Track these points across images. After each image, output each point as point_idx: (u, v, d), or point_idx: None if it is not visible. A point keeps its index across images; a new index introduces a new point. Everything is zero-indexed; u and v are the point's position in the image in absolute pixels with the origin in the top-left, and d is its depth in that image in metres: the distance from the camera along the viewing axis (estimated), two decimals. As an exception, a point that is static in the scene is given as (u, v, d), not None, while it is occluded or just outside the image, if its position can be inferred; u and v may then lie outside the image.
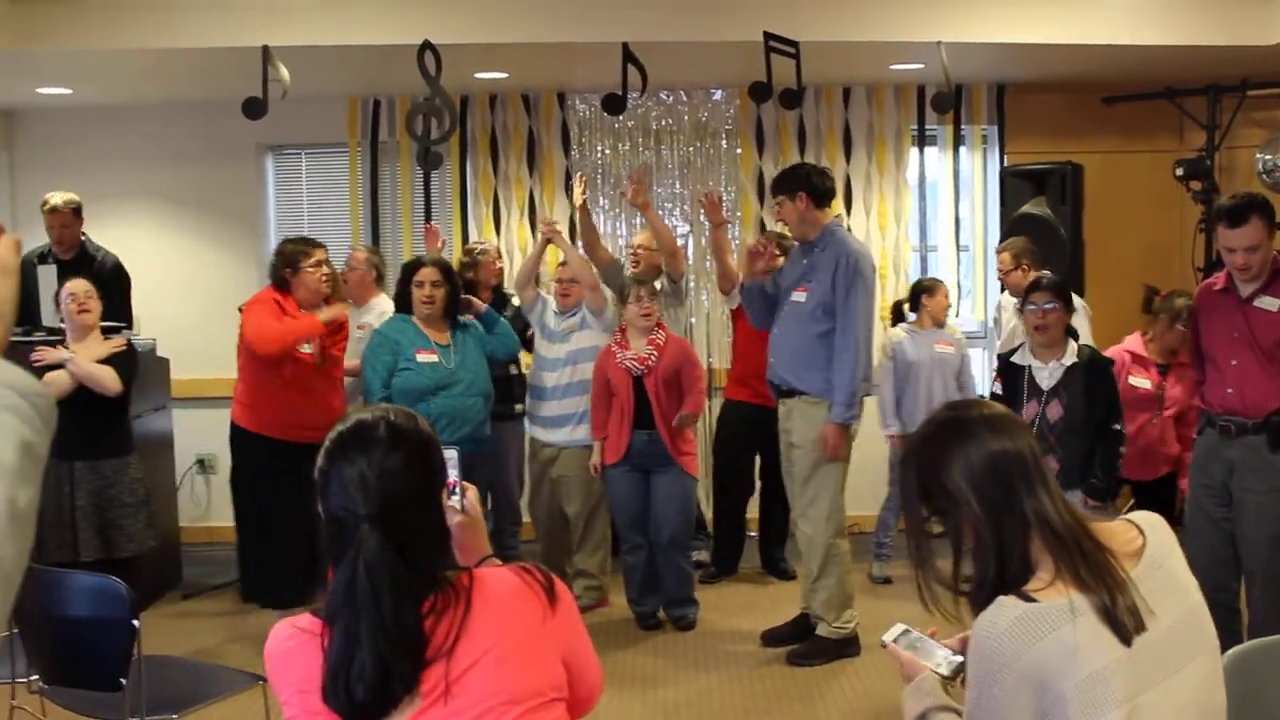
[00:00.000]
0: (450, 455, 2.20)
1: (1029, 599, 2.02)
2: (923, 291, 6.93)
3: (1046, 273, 5.55)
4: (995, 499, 2.13)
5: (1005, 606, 2.02)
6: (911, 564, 2.26)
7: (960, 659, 2.25)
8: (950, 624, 2.27)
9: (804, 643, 5.79)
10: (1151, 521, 2.22)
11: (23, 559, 1.12)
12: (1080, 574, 2.04)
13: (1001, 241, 7.11)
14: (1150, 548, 2.14)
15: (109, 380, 5.54)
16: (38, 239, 7.02)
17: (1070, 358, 5.09)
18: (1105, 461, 5.08)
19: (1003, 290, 6.95)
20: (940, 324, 6.90)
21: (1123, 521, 2.21)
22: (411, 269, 5.98)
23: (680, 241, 7.45)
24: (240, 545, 6.44)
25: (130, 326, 6.87)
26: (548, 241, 6.43)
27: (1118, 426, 5.12)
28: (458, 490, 2.23)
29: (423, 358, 5.82)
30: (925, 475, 2.21)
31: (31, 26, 6.09)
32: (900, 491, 2.32)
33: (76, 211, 6.85)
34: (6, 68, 6.52)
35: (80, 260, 6.86)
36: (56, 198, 6.79)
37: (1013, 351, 5.30)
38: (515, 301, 6.87)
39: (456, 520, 2.23)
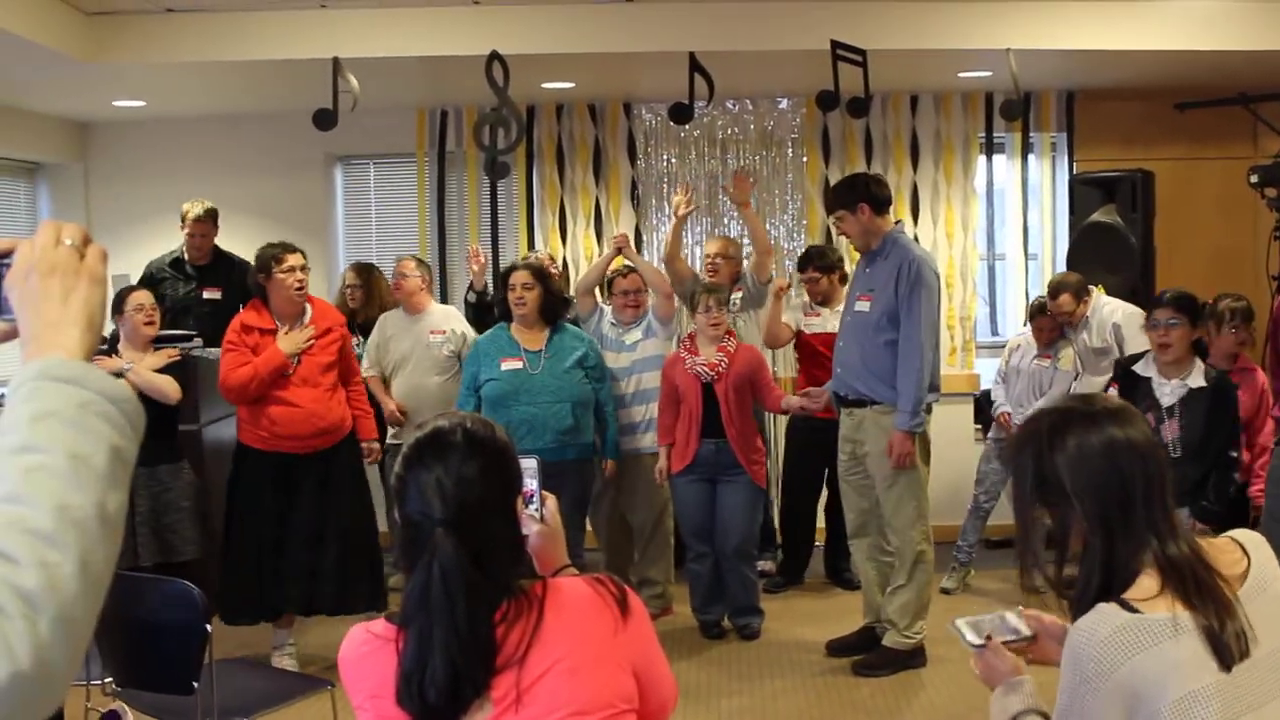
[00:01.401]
0: (529, 464, 2.21)
1: (1132, 609, 1.96)
2: (1034, 313, 6.88)
3: (1178, 288, 5.31)
4: (1110, 508, 2.04)
5: (1106, 615, 1.96)
6: (1016, 555, 2.20)
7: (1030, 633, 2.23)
8: (1056, 616, 2.22)
9: (871, 653, 5.76)
10: (1256, 543, 2.14)
11: (112, 563, 1.14)
12: (1188, 591, 1.97)
13: (1068, 257, 7.04)
14: (1255, 570, 2.07)
15: (170, 389, 5.55)
16: (113, 250, 7.03)
17: (1197, 379, 4.92)
18: (1220, 485, 4.95)
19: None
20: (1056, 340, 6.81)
21: (1227, 539, 2.14)
22: (507, 274, 6.11)
23: (744, 251, 7.42)
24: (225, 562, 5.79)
25: None
26: (618, 251, 6.45)
27: (1235, 454, 4.99)
28: (535, 499, 2.24)
29: (506, 365, 5.91)
30: (1040, 466, 2.12)
31: (107, 40, 6.21)
32: (1012, 480, 2.23)
33: (215, 219, 6.95)
34: (83, 81, 6.64)
35: (216, 267, 6.97)
36: (197, 206, 6.88)
37: (1135, 359, 5.15)
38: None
39: (535, 529, 2.24)
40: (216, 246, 7.04)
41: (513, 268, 6.16)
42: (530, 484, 2.20)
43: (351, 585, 5.67)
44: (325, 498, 5.65)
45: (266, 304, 5.62)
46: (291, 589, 5.66)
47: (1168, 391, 4.91)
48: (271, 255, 5.57)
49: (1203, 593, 1.97)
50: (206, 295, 6.60)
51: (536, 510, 2.24)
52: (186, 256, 6.97)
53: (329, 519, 5.64)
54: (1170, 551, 2.01)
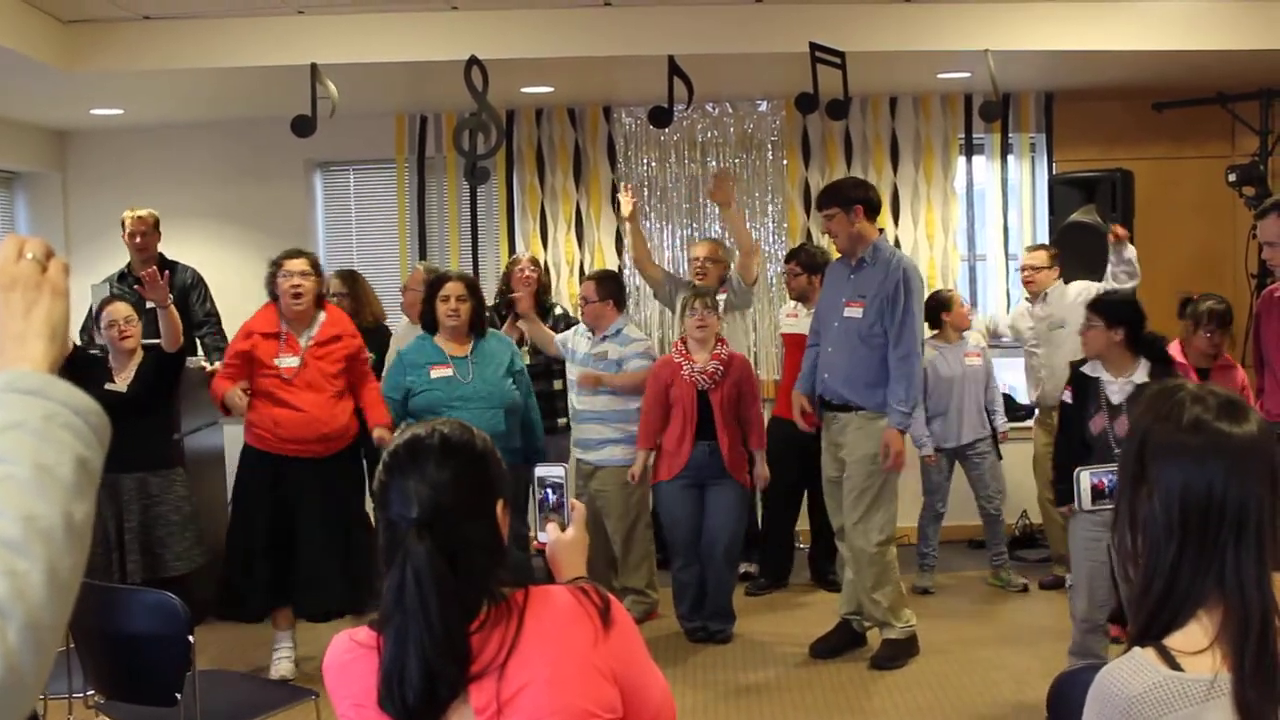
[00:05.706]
0: (557, 473, 2.24)
1: (1173, 663, 1.75)
2: (940, 308, 6.91)
3: (1109, 291, 5.39)
4: (1188, 514, 1.80)
5: (1143, 668, 1.76)
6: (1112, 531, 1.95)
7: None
8: None
9: (882, 647, 5.81)
10: None
11: (79, 572, 1.15)
12: (1243, 655, 1.74)
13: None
14: None
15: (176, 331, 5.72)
16: (92, 258, 7.09)
17: (1141, 375, 5.00)
18: None
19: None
20: (963, 335, 6.89)
21: None
22: (437, 285, 5.97)
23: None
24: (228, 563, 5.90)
25: (219, 324, 7.01)
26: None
27: None
28: (556, 504, 2.28)
29: (436, 373, 5.82)
30: (1144, 466, 1.88)
31: (85, 48, 6.19)
32: (1119, 466, 1.99)
33: (156, 223, 6.90)
34: (61, 89, 6.62)
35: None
36: (139, 209, 6.82)
37: (1084, 361, 5.23)
38: (557, 311, 6.96)
39: (554, 536, 2.29)
40: (161, 254, 6.95)
41: (445, 277, 6.00)
42: (552, 493, 2.23)
43: (341, 589, 5.65)
44: (326, 503, 5.65)
45: (275, 308, 5.71)
46: (287, 591, 5.70)
47: (1115, 390, 5.00)
48: (273, 261, 5.72)
49: (1260, 662, 1.74)
50: (149, 304, 6.48)
51: (562, 516, 2.27)
52: (131, 268, 6.89)
53: (327, 524, 5.63)
54: (1237, 598, 1.77)
